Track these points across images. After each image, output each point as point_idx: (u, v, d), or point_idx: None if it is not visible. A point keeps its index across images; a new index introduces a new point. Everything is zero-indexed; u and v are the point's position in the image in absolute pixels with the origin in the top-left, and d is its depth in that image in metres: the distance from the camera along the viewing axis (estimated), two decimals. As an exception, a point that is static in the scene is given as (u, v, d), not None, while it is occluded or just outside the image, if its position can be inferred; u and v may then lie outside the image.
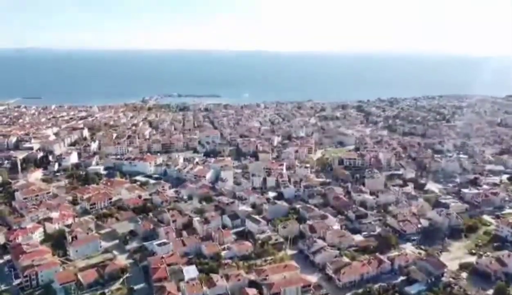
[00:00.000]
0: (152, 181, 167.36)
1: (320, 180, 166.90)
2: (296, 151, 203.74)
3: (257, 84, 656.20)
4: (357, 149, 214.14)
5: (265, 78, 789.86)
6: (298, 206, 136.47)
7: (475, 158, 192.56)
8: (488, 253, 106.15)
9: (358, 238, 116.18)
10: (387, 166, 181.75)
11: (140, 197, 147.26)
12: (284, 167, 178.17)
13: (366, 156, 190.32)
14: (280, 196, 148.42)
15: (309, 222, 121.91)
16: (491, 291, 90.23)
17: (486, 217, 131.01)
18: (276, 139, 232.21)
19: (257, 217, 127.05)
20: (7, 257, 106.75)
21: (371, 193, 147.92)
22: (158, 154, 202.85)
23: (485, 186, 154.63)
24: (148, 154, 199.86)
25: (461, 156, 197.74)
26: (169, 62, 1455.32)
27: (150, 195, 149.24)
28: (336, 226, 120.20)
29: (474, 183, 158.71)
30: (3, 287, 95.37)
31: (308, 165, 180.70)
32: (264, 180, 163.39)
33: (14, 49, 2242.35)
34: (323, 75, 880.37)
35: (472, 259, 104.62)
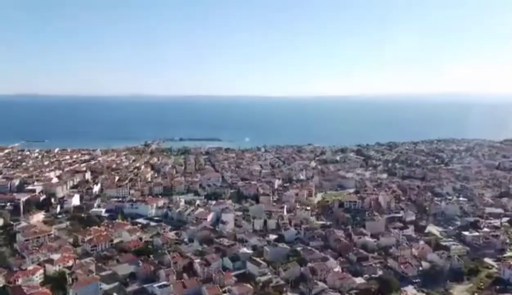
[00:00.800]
0: (153, 223, 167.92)
1: (321, 222, 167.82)
2: (297, 194, 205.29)
3: (257, 129, 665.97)
4: (357, 192, 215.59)
5: (265, 123, 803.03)
6: (299, 248, 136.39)
7: (475, 200, 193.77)
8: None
9: (359, 280, 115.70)
10: (387, 209, 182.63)
11: (141, 239, 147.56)
12: (285, 210, 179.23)
13: (366, 198, 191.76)
14: (281, 238, 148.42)
15: (310, 264, 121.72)
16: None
17: (487, 260, 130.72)
18: (277, 183, 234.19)
19: (258, 259, 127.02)
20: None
21: (372, 236, 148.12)
22: (160, 197, 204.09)
23: (485, 229, 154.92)
24: (150, 197, 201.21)
25: (461, 198, 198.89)
26: (170, 107, 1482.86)
27: (151, 237, 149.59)
28: (337, 268, 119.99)
29: (475, 225, 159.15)
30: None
31: (308, 208, 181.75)
32: (265, 222, 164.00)
33: (16, 94, 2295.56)
34: (323, 120, 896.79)
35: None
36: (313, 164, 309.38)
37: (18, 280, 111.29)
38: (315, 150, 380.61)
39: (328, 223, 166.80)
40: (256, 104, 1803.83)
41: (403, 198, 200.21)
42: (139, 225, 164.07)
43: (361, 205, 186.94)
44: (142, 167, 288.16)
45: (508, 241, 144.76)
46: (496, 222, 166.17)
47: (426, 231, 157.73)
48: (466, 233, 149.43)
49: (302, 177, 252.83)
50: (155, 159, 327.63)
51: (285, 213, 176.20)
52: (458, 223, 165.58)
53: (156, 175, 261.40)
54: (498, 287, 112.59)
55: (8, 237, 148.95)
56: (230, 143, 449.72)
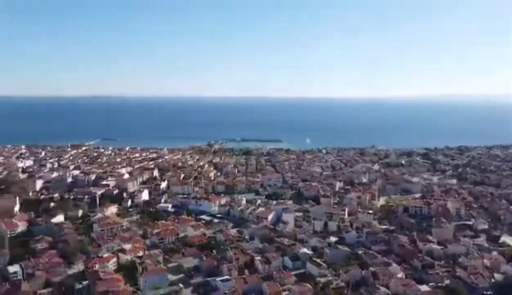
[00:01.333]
0: (216, 220, 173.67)
1: (384, 227, 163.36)
2: (359, 197, 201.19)
3: (319, 131, 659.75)
4: (423, 197, 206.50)
5: (327, 125, 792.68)
6: (360, 252, 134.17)
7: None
8: None
9: (424, 288, 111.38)
10: (456, 216, 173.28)
11: (204, 234, 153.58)
12: (346, 212, 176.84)
13: (433, 204, 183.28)
14: (341, 241, 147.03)
15: (372, 268, 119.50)
16: None
17: None
18: (338, 185, 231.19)
19: (318, 260, 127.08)
20: (85, 283, 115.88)
21: (439, 243, 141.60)
22: (222, 195, 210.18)
23: None
24: (213, 195, 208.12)
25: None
26: (233, 108, 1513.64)
27: (214, 233, 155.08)
28: (400, 274, 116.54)
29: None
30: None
31: (371, 211, 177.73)
32: (326, 224, 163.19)
33: (91, 96, 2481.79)
34: (387, 122, 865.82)
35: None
36: (376, 166, 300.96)
37: (95, 266, 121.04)
38: (378, 152, 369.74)
39: (392, 228, 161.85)
40: (317, 106, 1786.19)
41: (475, 205, 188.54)
42: (203, 221, 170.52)
43: (428, 210, 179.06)
44: (206, 165, 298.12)
45: None
46: None
47: (500, 241, 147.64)
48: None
49: (364, 180, 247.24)
50: (218, 159, 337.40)
51: (346, 215, 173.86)
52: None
53: (218, 174, 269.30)
54: None
55: (86, 227, 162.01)
56: (291, 144, 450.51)
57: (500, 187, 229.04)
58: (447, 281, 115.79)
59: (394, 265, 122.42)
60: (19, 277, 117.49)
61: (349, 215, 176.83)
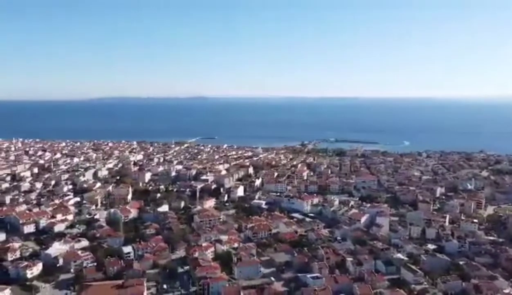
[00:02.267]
0: (308, 219, 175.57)
1: (491, 238, 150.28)
2: (462, 204, 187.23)
3: (418, 132, 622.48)
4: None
5: (429, 127, 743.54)
6: (461, 262, 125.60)
7: None
8: None
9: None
10: None
11: (296, 232, 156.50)
12: (447, 220, 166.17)
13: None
14: (440, 249, 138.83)
15: (474, 281, 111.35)
16: None
17: None
18: (439, 190, 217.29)
19: (413, 267, 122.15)
20: (186, 268, 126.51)
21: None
22: (315, 195, 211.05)
23: None
24: (305, 194, 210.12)
25: None
26: (324, 108, 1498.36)
27: (306, 231, 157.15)
28: (508, 290, 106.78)
29: None
30: (182, 291, 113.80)
31: (476, 220, 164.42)
32: (423, 230, 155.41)
33: (187, 97, 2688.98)
34: (498, 124, 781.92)
35: None
36: (484, 173, 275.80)
37: (195, 253, 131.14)
38: (488, 158, 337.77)
39: (500, 240, 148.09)
40: (417, 106, 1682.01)
41: None
42: (295, 219, 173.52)
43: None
44: (299, 165, 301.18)
45: None
46: None
47: None
48: None
49: (470, 187, 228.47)
50: (311, 159, 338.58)
51: (447, 223, 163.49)
52: None
53: (311, 174, 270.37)
54: None
55: (187, 217, 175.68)
56: (388, 146, 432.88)
57: None
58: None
59: (501, 279, 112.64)
60: (131, 257, 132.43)
61: (450, 223, 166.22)
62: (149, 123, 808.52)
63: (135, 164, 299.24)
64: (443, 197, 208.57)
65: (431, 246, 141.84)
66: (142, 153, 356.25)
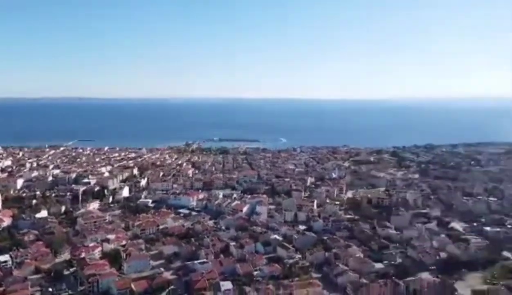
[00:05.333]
0: (194, 213, 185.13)
1: (348, 216, 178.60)
2: (327, 190, 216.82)
3: (295, 131, 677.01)
4: (386, 190, 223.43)
5: (303, 126, 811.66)
6: (325, 237, 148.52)
7: (504, 200, 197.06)
8: (502, 282, 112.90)
9: (379, 266, 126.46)
10: (414, 205, 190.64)
11: (183, 225, 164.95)
12: (315, 204, 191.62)
13: (394, 196, 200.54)
14: (309, 229, 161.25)
15: (334, 250, 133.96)
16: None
17: (506, 253, 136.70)
18: (309, 180, 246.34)
19: (287, 245, 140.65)
20: (72, 269, 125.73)
21: (396, 229, 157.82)
22: (200, 191, 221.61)
23: (509, 225, 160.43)
24: (191, 190, 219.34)
25: (491, 198, 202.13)
26: (210, 109, 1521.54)
27: (192, 224, 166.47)
28: (359, 255, 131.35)
29: (499, 222, 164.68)
30: (70, 292, 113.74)
31: (337, 203, 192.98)
32: (296, 214, 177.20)
33: (77, 97, 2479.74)
34: (360, 123, 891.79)
35: (485, 287, 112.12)
36: (346, 164, 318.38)
37: (81, 254, 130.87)
38: (350, 151, 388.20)
39: (356, 217, 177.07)
40: (298, 107, 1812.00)
41: (432, 197, 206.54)
42: (182, 214, 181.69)
43: (389, 201, 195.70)
44: (184, 164, 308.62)
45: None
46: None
47: (450, 226, 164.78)
48: (488, 228, 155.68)
49: (334, 176, 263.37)
50: (196, 158, 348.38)
51: (315, 207, 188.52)
52: (483, 220, 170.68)
53: (196, 172, 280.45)
54: (511, 276, 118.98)
55: (69, 221, 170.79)
56: (267, 144, 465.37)
57: (457, 180, 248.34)
58: (400, 260, 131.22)
59: (354, 247, 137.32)
60: (9, 266, 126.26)
61: (318, 206, 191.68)
62: (18, 127, 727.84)
63: (2, 170, 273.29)
64: (313, 186, 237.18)
65: (302, 227, 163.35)
66: (11, 158, 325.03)
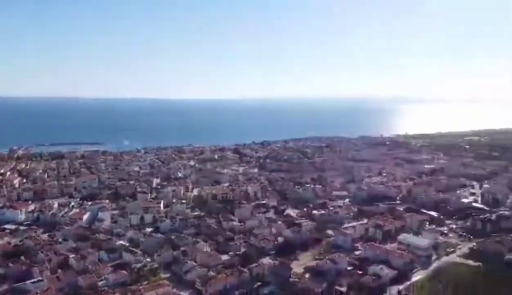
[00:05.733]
0: (23, 228, 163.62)
1: (195, 213, 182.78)
2: (174, 190, 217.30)
3: (138, 132, 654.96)
4: (230, 185, 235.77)
5: (147, 126, 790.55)
6: (173, 237, 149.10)
7: (326, 186, 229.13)
8: (327, 257, 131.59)
9: (225, 257, 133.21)
10: (254, 198, 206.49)
11: (9, 243, 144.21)
12: (162, 205, 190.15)
13: (236, 190, 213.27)
14: (156, 230, 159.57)
15: (182, 248, 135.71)
16: (325, 284, 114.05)
17: (329, 232, 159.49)
18: (155, 181, 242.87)
19: (134, 249, 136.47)
20: None
21: (240, 221, 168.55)
22: (30, 202, 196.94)
23: (331, 208, 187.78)
24: (19, 202, 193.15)
25: (317, 186, 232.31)
26: (40, 110, 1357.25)
27: (21, 241, 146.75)
28: (206, 249, 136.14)
29: (323, 206, 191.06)
30: None
31: (184, 201, 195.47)
32: (142, 217, 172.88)
33: None
34: (205, 122, 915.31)
35: (314, 263, 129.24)
36: (192, 162, 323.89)
37: None
38: (194, 150, 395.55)
39: (202, 213, 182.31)
40: (136, 107, 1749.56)
41: (269, 188, 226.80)
42: (7, 231, 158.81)
43: (232, 196, 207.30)
44: (8, 173, 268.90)
45: (346, 216, 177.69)
46: (340, 202, 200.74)
47: (285, 213, 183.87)
48: (315, 211, 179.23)
49: (180, 175, 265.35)
50: (23, 165, 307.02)
51: (162, 207, 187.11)
52: (312, 205, 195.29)
53: (24, 181, 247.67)
54: (334, 250, 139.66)
55: None
56: (109, 146, 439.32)
57: (290, 172, 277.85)
58: (244, 249, 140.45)
59: (202, 242, 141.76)
60: None
61: (165, 207, 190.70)
62: None
63: None
64: (159, 186, 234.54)
65: (149, 229, 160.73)
66: None
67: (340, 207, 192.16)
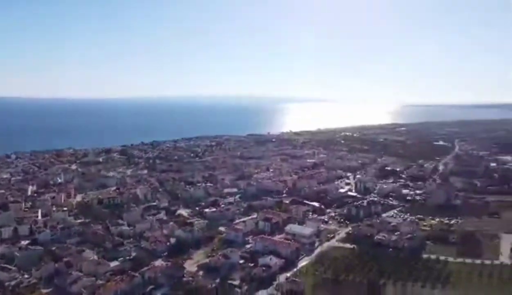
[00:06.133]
0: None
1: (79, 221, 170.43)
2: (53, 197, 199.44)
3: (6, 136, 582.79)
4: (118, 189, 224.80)
5: (15, 128, 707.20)
6: (54, 248, 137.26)
7: (217, 184, 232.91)
8: (219, 253, 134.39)
9: (114, 263, 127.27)
10: (144, 200, 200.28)
11: None
12: (39, 214, 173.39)
13: (124, 193, 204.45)
14: (34, 242, 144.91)
15: (65, 259, 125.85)
16: (218, 279, 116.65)
17: (221, 228, 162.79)
18: (31, 189, 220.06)
19: (7, 266, 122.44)
20: None
21: (129, 225, 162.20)
22: None
23: (222, 205, 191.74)
24: None
25: (208, 184, 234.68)
26: None
27: None
28: (93, 257, 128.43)
29: (215, 203, 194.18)
30: None
31: (65, 209, 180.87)
32: (16, 229, 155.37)
33: None
34: (87, 123, 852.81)
35: (208, 260, 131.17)
36: (74, 166, 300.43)
37: None
38: (76, 152, 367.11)
39: (87, 220, 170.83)
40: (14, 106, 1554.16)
41: (160, 189, 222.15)
42: None
43: (120, 199, 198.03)
44: None
45: (237, 212, 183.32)
46: (231, 199, 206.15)
47: (177, 213, 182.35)
48: (207, 210, 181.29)
49: (60, 181, 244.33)
50: None
51: (39, 217, 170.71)
52: (203, 203, 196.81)
53: None
54: (226, 246, 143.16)
55: None
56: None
57: (180, 172, 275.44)
58: (134, 253, 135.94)
59: (88, 250, 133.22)
60: None
61: (43, 216, 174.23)
62: None
63: None
64: (35, 194, 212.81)
65: (24, 242, 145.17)
66: None
67: (231, 203, 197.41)
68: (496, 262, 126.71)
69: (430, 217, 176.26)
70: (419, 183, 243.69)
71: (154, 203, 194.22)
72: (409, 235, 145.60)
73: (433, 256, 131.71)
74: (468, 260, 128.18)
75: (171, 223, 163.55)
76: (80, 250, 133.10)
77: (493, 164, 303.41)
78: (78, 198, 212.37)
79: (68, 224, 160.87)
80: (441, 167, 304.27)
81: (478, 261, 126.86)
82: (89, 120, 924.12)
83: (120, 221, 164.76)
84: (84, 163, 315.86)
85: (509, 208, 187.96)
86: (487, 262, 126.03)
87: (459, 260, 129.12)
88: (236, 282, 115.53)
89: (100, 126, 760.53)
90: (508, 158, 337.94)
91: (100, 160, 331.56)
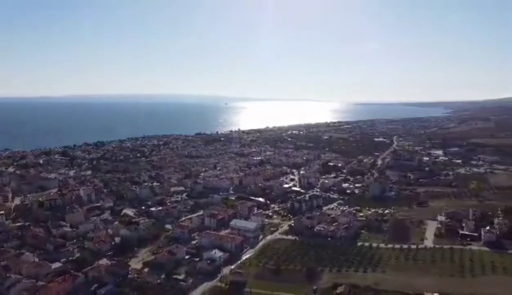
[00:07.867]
0: None
1: (18, 224, 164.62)
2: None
3: None
4: (59, 191, 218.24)
5: None
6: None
7: (164, 183, 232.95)
8: (165, 250, 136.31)
9: (56, 265, 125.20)
10: (88, 201, 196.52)
11: None
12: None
13: (67, 195, 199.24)
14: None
15: (3, 263, 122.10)
16: (163, 275, 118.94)
17: (167, 226, 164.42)
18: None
19: None
20: None
21: (71, 226, 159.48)
22: None
23: (169, 204, 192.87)
24: None
25: (155, 184, 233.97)
26: None
27: None
28: (33, 260, 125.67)
29: (161, 203, 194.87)
30: None
31: (2, 212, 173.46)
32: None
33: None
34: (24, 124, 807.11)
35: (153, 257, 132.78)
36: (11, 169, 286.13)
37: None
38: (13, 155, 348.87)
39: (27, 223, 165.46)
40: None
41: (104, 190, 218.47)
42: None
43: (62, 201, 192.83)
44: None
45: (184, 209, 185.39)
46: (178, 198, 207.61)
47: (122, 213, 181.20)
48: (153, 209, 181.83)
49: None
50: None
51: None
52: (149, 203, 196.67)
53: None
54: (171, 243, 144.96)
55: None
56: None
57: (126, 172, 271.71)
58: (78, 254, 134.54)
59: (27, 253, 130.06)
60: None
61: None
62: None
63: None
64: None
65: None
66: None
67: (177, 202, 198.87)
68: (421, 246, 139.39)
69: (366, 208, 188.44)
70: (358, 177, 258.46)
71: (98, 204, 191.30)
72: (345, 225, 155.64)
73: (366, 243, 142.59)
74: (397, 245, 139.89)
75: (116, 223, 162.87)
76: (19, 253, 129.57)
77: (425, 158, 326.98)
78: (17, 201, 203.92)
79: (6, 228, 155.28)
80: (379, 162, 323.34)
81: (405, 246, 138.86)
82: (23, 121, 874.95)
83: (63, 223, 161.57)
84: (22, 165, 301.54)
85: (436, 197, 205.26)
86: (413, 246, 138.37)
87: (389, 245, 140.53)
88: (181, 276, 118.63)
89: (37, 127, 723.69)
90: (439, 152, 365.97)
91: (40, 161, 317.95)
